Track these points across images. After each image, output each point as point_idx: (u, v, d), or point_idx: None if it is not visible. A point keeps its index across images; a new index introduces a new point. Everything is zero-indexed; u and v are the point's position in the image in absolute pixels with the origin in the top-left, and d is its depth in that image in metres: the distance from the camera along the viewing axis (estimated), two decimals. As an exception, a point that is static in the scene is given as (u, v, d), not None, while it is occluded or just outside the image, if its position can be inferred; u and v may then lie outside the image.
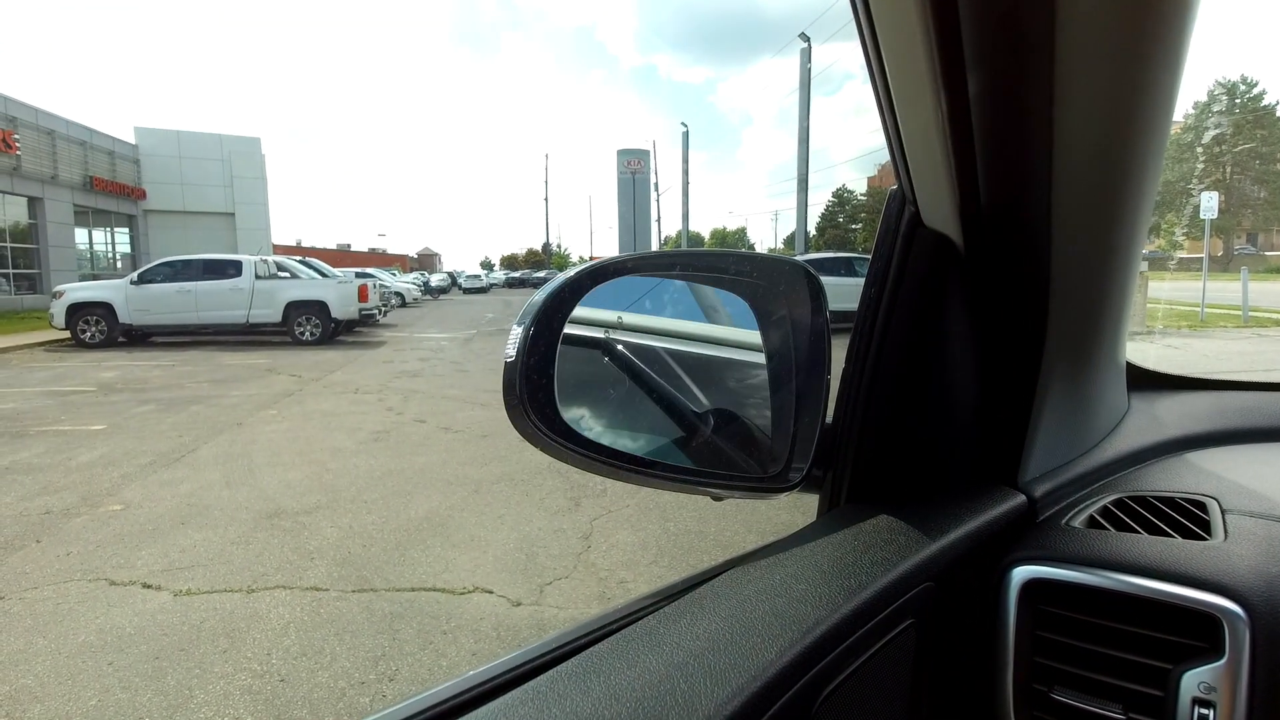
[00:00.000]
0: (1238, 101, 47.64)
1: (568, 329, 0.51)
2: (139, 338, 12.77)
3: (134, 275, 12.77)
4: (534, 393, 0.49)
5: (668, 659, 0.38)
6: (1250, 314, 12.66)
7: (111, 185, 25.20)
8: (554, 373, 0.50)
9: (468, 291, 46.78)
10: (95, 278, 20.98)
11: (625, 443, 0.55)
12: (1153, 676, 0.45)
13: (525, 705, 0.35)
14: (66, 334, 12.41)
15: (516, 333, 0.49)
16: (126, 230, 27.40)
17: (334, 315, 12.81)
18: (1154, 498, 0.57)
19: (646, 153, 68.04)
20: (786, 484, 0.57)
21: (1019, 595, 0.51)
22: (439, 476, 4.48)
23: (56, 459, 4.93)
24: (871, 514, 0.55)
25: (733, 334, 0.62)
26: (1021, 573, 0.51)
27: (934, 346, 0.57)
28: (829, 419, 0.60)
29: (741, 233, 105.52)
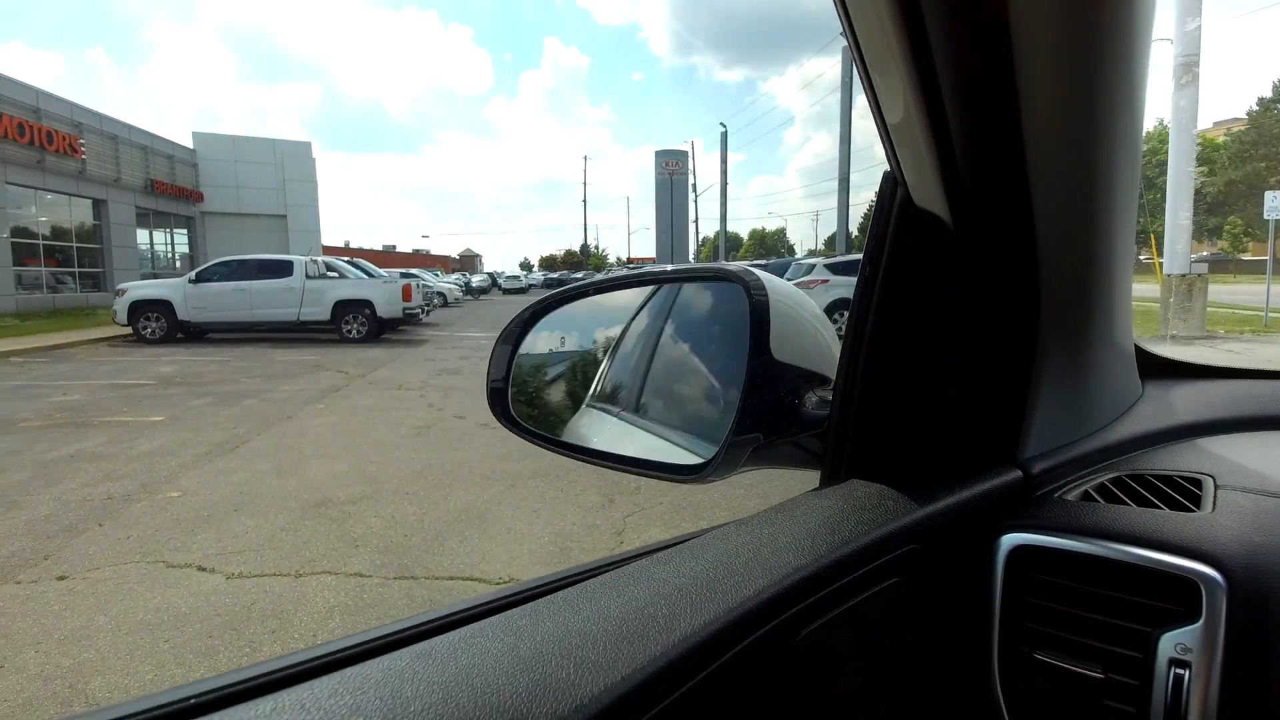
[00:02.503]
0: (1308, 96, 45.36)
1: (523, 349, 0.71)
2: (196, 334, 13.29)
3: (192, 274, 13.30)
4: (499, 399, 0.69)
5: (654, 591, 0.42)
6: (1319, 318, 12.05)
7: (171, 188, 26.26)
8: (506, 376, 0.70)
9: (507, 292, 47.50)
10: (155, 277, 21.89)
11: (572, 435, 0.72)
12: (1132, 639, 0.47)
13: (523, 619, 0.39)
14: (128, 330, 12.99)
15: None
16: (185, 231, 28.53)
17: (379, 314, 13.14)
18: (1151, 475, 0.58)
19: (685, 154, 68.06)
20: (709, 469, 0.60)
21: (1006, 560, 0.53)
22: (477, 471, 4.57)
23: (118, 448, 5.18)
24: (865, 485, 0.57)
25: (674, 338, 0.75)
26: (1010, 539, 0.53)
27: (928, 325, 0.59)
28: (814, 398, 0.62)
29: (781, 233, 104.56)
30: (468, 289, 37.00)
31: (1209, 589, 0.45)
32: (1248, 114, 47.63)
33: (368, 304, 13.13)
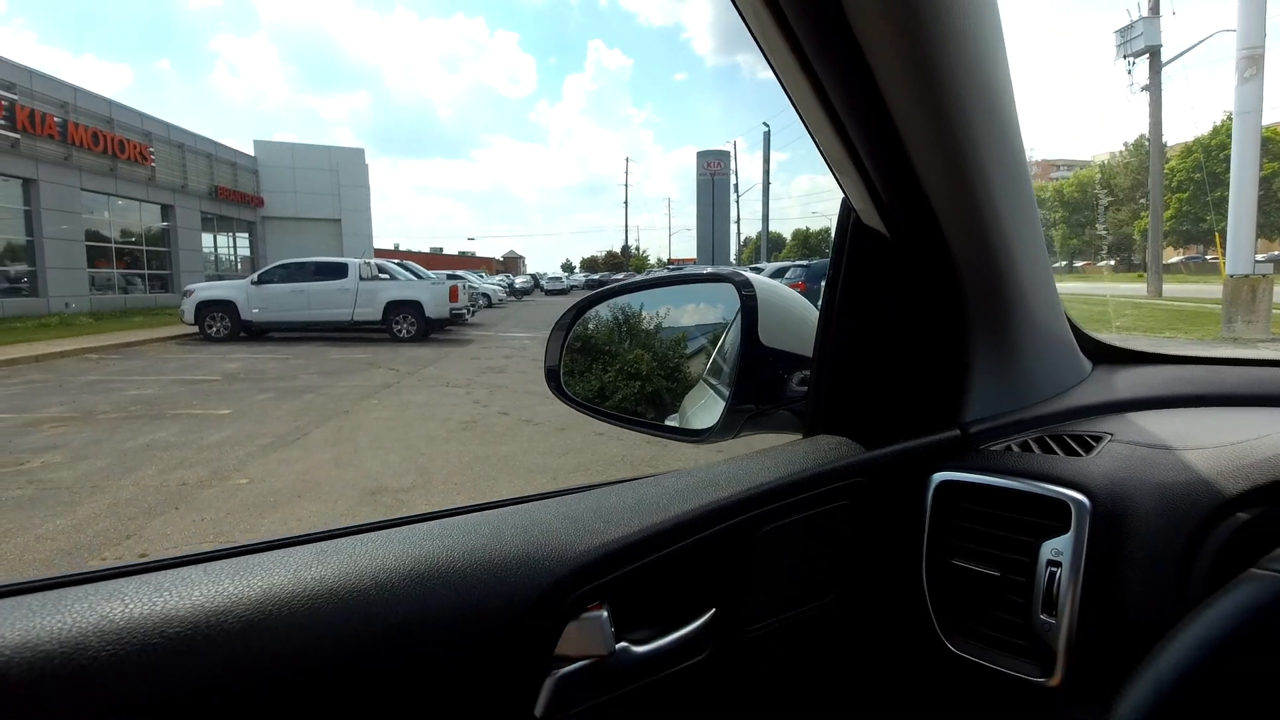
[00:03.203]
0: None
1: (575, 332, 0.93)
2: (257, 333, 13.89)
3: (254, 276, 13.93)
4: (553, 376, 0.91)
5: (658, 491, 0.59)
6: (1399, 321, 11.41)
7: (234, 194, 27.42)
8: (559, 363, 0.92)
9: (549, 293, 47.98)
10: (219, 278, 22.80)
11: (609, 405, 0.92)
12: (1022, 548, 0.61)
13: (539, 510, 0.57)
14: (195, 329, 13.65)
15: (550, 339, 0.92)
16: (246, 235, 29.74)
17: (428, 314, 13.54)
18: (1066, 435, 0.69)
19: (726, 154, 67.89)
20: (711, 433, 0.78)
21: (935, 492, 0.67)
22: (520, 464, 4.75)
23: (189, 438, 5.52)
24: (830, 438, 0.72)
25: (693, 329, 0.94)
26: (939, 476, 0.67)
27: (881, 318, 0.73)
28: (797, 375, 0.78)
29: (825, 233, 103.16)
30: (511, 290, 37.62)
31: (1077, 509, 0.59)
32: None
33: (417, 305, 13.54)
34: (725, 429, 0.77)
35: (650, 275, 0.98)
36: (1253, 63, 11.33)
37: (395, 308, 13.55)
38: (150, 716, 0.38)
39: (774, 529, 0.61)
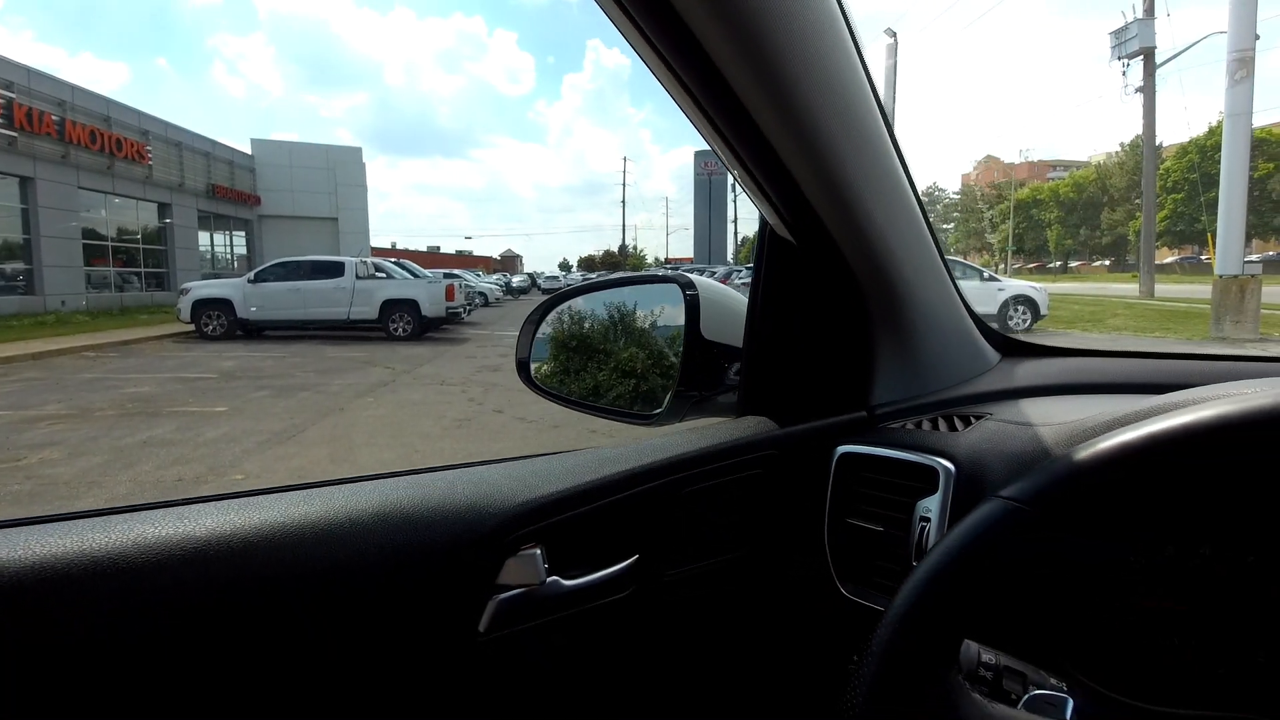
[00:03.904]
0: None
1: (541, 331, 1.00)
2: (254, 331, 13.91)
3: (250, 274, 13.95)
4: (524, 364, 0.99)
5: (581, 460, 0.70)
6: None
7: (231, 192, 27.40)
8: (528, 355, 0.99)
9: (546, 292, 47.45)
10: (216, 277, 22.85)
11: (568, 390, 1.02)
12: (902, 507, 0.70)
13: (490, 471, 0.69)
14: (191, 327, 13.67)
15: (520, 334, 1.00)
16: (243, 233, 29.72)
17: (424, 313, 13.58)
18: (956, 415, 0.78)
19: (728, 154, 67.75)
20: (659, 416, 0.87)
21: (837, 462, 0.77)
22: (516, 461, 4.82)
23: (186, 435, 5.58)
24: (753, 417, 0.82)
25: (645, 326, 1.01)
26: (842, 448, 0.77)
27: (794, 317, 0.82)
28: (734, 365, 0.87)
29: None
30: (508, 289, 37.65)
31: (944, 473, 0.68)
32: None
33: (413, 303, 13.59)
34: (672, 413, 0.87)
35: (606, 277, 1.08)
36: (1243, 65, 11.43)
37: (391, 306, 13.59)
38: (170, 609, 0.51)
39: (694, 491, 0.72)
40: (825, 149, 0.63)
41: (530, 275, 53.64)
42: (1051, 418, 0.70)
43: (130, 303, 21.60)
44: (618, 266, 73.98)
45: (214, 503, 0.58)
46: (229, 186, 27.41)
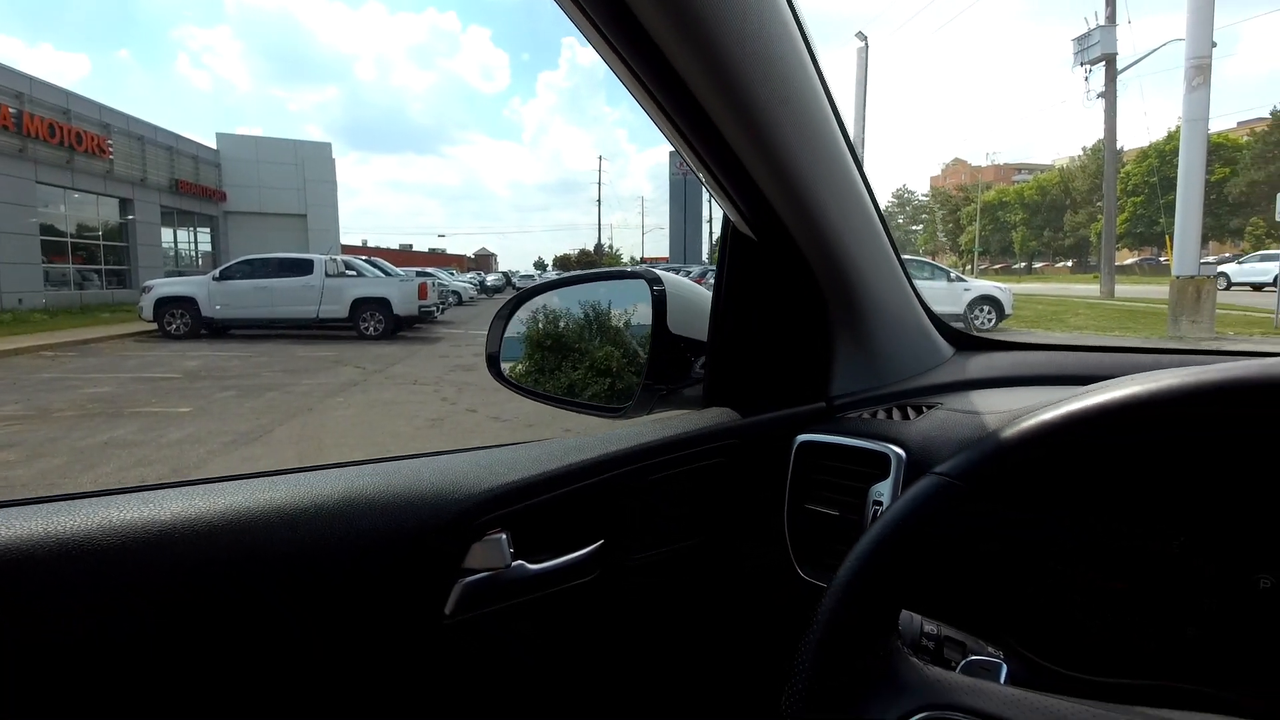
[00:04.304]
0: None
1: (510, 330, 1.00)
2: (219, 330, 13.64)
3: (216, 272, 13.68)
4: (494, 358, 0.98)
5: (548, 449, 0.71)
6: (1333, 321, 11.97)
7: (195, 188, 26.80)
8: (499, 350, 1.00)
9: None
10: (180, 274, 22.33)
11: (542, 389, 1.03)
12: (857, 492, 0.73)
13: (456, 459, 0.70)
14: (153, 326, 13.36)
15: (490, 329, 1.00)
16: (208, 230, 29.07)
17: (396, 312, 13.43)
18: (910, 405, 0.81)
19: (702, 154, 68.05)
20: (628, 409, 0.90)
21: (797, 450, 0.79)
22: (488, 460, 4.80)
23: (149, 436, 5.46)
24: (718, 409, 0.84)
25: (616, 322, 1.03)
26: (802, 437, 0.80)
27: (756, 312, 0.85)
28: (700, 359, 0.89)
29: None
30: (482, 288, 37.36)
31: (895, 459, 0.71)
32: (1271, 113, 46.89)
33: (384, 302, 13.43)
34: (640, 406, 0.89)
35: (576, 273, 1.09)
36: (1200, 72, 11.78)
37: (362, 305, 13.41)
38: (136, 590, 0.52)
39: (659, 478, 0.75)
40: (782, 151, 0.65)
41: (505, 274, 53.35)
42: (997, 406, 0.73)
43: (91, 301, 21.03)
44: (593, 265, 73.80)
45: (180, 488, 0.58)
46: (193, 182, 26.81)
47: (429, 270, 26.25)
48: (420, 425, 5.91)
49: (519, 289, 1.15)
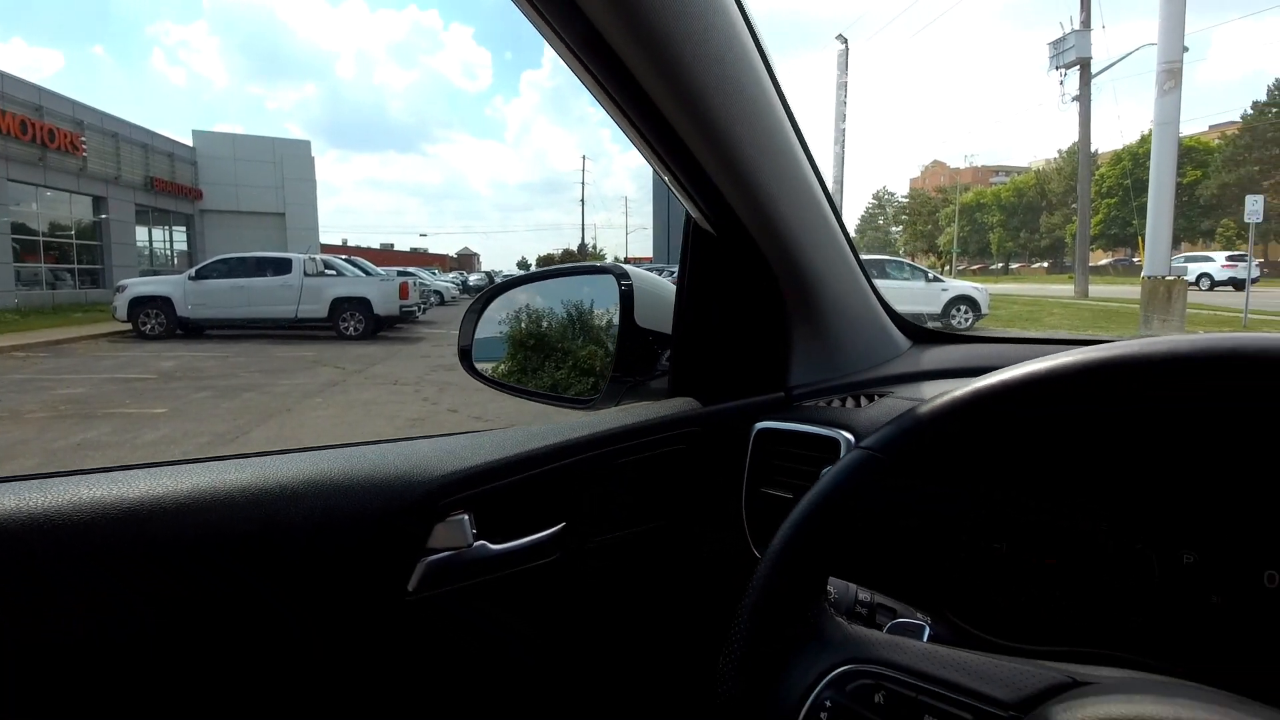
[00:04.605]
0: (1300, 100, 45.64)
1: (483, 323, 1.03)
2: (195, 330, 13.45)
3: (192, 271, 13.48)
4: (466, 351, 1.02)
5: (512, 436, 0.73)
6: (1298, 321, 12.26)
7: (170, 186, 26.39)
8: (470, 343, 1.03)
9: (505, 291, 47.43)
10: (155, 273, 21.93)
11: (510, 378, 1.06)
12: (809, 475, 0.75)
13: (421, 445, 0.72)
14: (128, 326, 13.15)
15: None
16: (184, 229, 28.65)
17: (376, 311, 13.33)
18: (863, 394, 0.84)
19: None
20: (596, 401, 0.93)
21: (755, 437, 0.83)
22: (469, 460, 4.80)
23: (123, 437, 5.39)
24: (681, 399, 0.87)
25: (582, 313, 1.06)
26: (760, 424, 0.83)
27: (718, 305, 0.87)
28: (666, 351, 0.92)
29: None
30: (465, 287, 37.16)
31: (845, 443, 0.74)
32: (1242, 117, 47.93)
33: (365, 301, 13.32)
34: (609, 397, 0.91)
35: (546, 269, 1.12)
36: (1171, 76, 12.03)
37: (342, 305, 13.29)
38: (102, 565, 0.53)
39: (620, 465, 0.78)
40: (735, 150, 0.67)
41: (488, 273, 53.09)
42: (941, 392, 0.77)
43: (63, 301, 20.64)
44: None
45: (148, 469, 0.60)
46: (169, 180, 26.40)
47: (410, 270, 26.06)
48: (401, 425, 5.88)
49: None
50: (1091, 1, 23.71)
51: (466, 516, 0.67)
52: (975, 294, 13.58)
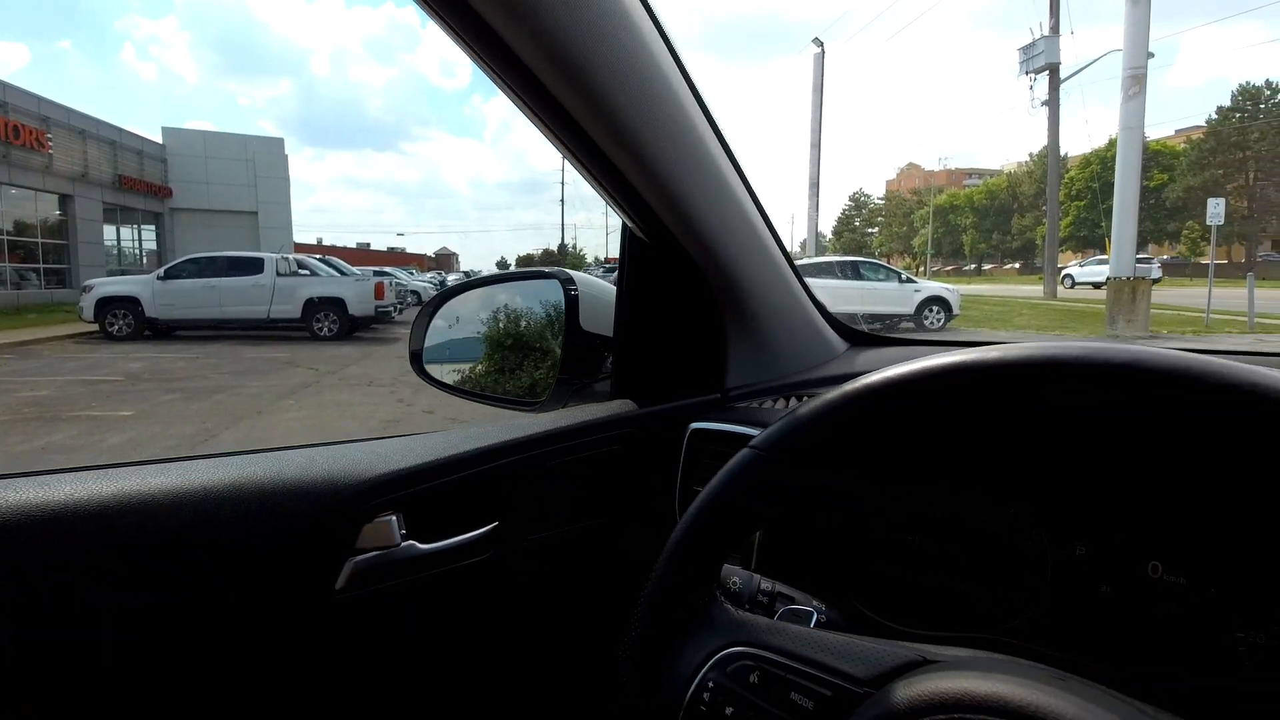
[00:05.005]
0: (1262, 106, 46.97)
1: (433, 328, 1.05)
2: (164, 331, 13.22)
3: (160, 271, 13.24)
4: (417, 355, 1.03)
5: (449, 439, 0.75)
6: (1256, 320, 12.63)
7: (139, 183, 25.86)
8: (421, 346, 1.05)
9: (484, 291, 47.16)
10: (123, 273, 21.48)
11: (501, 387, 1.08)
12: None
13: (352, 449, 0.72)
14: (95, 327, 12.88)
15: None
16: (153, 227, 28.08)
17: (351, 312, 13.20)
18: (794, 395, 0.88)
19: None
20: (543, 403, 0.96)
21: (689, 437, 0.85)
22: (442, 461, 4.78)
23: (88, 440, 5.29)
24: (621, 401, 0.90)
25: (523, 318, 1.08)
26: (694, 425, 0.85)
27: (655, 310, 0.90)
28: (610, 355, 0.94)
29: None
30: (443, 287, 36.84)
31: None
32: (1207, 122, 49.14)
33: (339, 302, 13.18)
34: (555, 399, 0.94)
35: (495, 273, 1.15)
36: (1136, 82, 12.32)
37: (316, 305, 13.13)
38: (28, 566, 0.55)
39: (555, 465, 0.80)
40: (658, 167, 0.70)
41: (466, 273, 52.58)
42: None
43: (28, 301, 20.12)
44: (557, 265, 73.27)
45: (74, 473, 0.61)
46: (138, 177, 25.86)
47: (387, 269, 25.80)
48: (374, 427, 5.84)
49: None
50: (1060, 8, 24.17)
51: (395, 517, 0.68)
52: (947, 295, 13.78)
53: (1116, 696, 0.37)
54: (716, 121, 0.74)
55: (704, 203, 0.77)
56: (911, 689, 0.39)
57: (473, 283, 1.09)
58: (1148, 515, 0.54)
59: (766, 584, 0.60)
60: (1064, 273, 32.22)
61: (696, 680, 0.46)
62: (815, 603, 0.60)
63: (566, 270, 0.97)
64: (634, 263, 0.89)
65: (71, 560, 0.56)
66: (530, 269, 1.06)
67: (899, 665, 0.42)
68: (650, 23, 0.63)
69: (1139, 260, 13.20)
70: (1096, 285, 27.71)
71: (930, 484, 0.63)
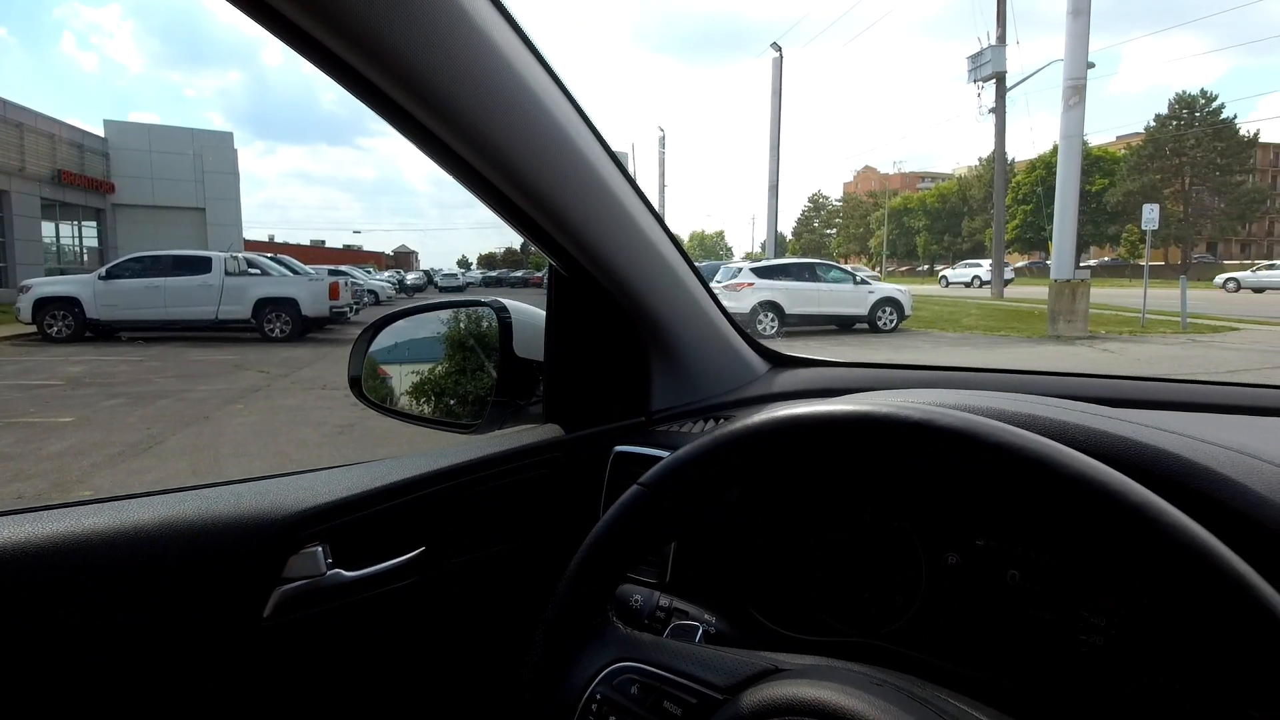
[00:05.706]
0: (1197, 115, 49.20)
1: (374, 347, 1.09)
2: (106, 333, 12.75)
3: (102, 270, 12.78)
4: (356, 380, 1.07)
5: (377, 470, 0.78)
6: (1189, 321, 13.25)
7: (80, 179, 24.83)
8: (360, 372, 1.08)
9: (444, 290, 46.58)
10: (62, 272, 20.66)
11: (462, 388, 1.10)
12: None
13: (280, 483, 0.76)
14: (33, 328, 12.37)
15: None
16: (94, 224, 26.99)
17: (304, 312, 12.93)
18: (716, 417, 0.94)
19: (625, 154, 68.01)
20: (479, 426, 1.00)
21: (613, 460, 0.89)
22: (396, 466, 4.75)
23: (27, 448, 5.11)
24: (551, 425, 0.95)
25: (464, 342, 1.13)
26: (617, 448, 0.90)
27: (580, 337, 0.95)
28: (543, 380, 0.99)
29: (720, 235, 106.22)
30: (402, 287, 36.28)
31: None
32: (1145, 129, 51.21)
33: (291, 302, 12.91)
34: (491, 422, 0.98)
35: (428, 302, 1.18)
36: (1075, 92, 12.81)
37: (266, 305, 12.83)
38: None
39: (482, 491, 0.84)
40: (556, 206, 0.73)
41: (427, 272, 51.83)
42: None
43: (-43, 300, 19.20)
44: (519, 264, 72.55)
45: (11, 515, 0.63)
46: (78, 172, 24.82)
47: (343, 268, 25.28)
48: (329, 432, 5.77)
49: (441, 288, 1.21)
50: (1007, 19, 24.95)
51: (321, 547, 0.71)
52: (899, 296, 14.13)
53: (922, 700, 0.44)
54: (616, 155, 0.77)
55: (609, 239, 0.81)
56: (757, 695, 0.45)
57: (409, 310, 1.13)
58: (1001, 528, 0.62)
59: (665, 600, 0.67)
60: (940, 274, 36.70)
61: (587, 693, 0.51)
62: (707, 616, 0.67)
63: (500, 300, 1.01)
64: (558, 291, 0.94)
65: (6, 600, 0.58)
66: (465, 299, 1.10)
67: (754, 674, 0.48)
68: (530, 58, 0.64)
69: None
70: (967, 284, 37.15)
71: (817, 503, 0.70)
